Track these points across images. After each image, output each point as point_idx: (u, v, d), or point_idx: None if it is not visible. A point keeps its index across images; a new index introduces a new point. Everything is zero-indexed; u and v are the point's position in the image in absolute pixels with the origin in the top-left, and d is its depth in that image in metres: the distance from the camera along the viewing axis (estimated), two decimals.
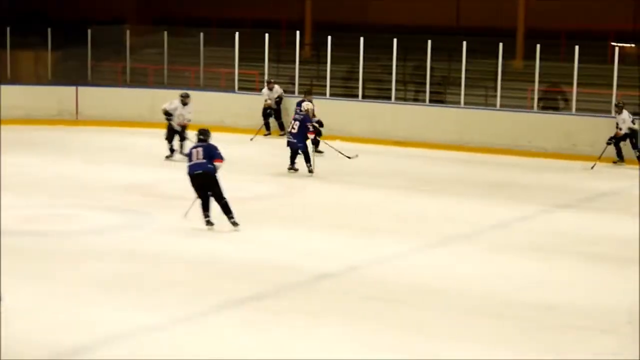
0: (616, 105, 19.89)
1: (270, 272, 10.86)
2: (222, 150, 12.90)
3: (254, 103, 23.56)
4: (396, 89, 22.87)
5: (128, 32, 26.00)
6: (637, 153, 19.58)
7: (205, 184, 12.80)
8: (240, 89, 24.65)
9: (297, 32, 23.87)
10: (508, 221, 14.06)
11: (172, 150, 18.75)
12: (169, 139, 18.81)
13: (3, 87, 24.88)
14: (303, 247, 12.20)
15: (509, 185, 17.33)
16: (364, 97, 22.99)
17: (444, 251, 12.23)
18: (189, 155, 13.06)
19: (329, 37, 23.34)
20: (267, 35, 23.88)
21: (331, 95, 23.44)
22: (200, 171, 12.79)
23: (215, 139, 13.25)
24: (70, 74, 26.25)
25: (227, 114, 23.86)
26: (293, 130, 17.57)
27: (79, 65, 26.17)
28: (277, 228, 13.24)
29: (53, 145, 19.80)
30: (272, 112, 23.15)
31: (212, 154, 12.86)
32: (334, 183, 17.12)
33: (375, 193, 16.27)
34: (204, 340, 8.56)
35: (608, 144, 19.60)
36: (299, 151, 17.53)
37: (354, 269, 11.12)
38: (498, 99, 22.03)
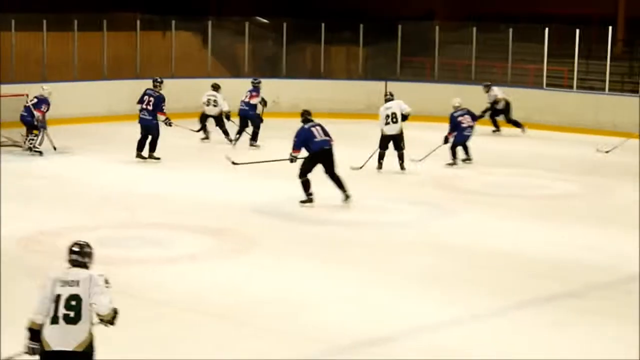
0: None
1: (579, 272, 10.75)
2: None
3: (560, 99, 23.43)
4: None
5: (437, 27, 26.25)
6: None
7: (325, 160, 13.52)
8: (547, 85, 24.32)
9: (609, 28, 23.24)
10: None
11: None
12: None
13: (316, 81, 26.05)
14: (612, 248, 11.90)
15: None
16: None
17: None
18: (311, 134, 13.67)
19: None
20: (577, 30, 23.41)
21: None
22: (327, 147, 13.56)
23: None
24: (380, 69, 26.88)
25: (533, 109, 23.54)
26: None
27: (388, 60, 26.75)
28: (584, 227, 13.04)
29: (364, 137, 19.75)
30: (496, 113, 22.46)
31: (326, 131, 13.65)
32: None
33: None
34: (506, 338, 8.60)
35: None
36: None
37: None
38: None
